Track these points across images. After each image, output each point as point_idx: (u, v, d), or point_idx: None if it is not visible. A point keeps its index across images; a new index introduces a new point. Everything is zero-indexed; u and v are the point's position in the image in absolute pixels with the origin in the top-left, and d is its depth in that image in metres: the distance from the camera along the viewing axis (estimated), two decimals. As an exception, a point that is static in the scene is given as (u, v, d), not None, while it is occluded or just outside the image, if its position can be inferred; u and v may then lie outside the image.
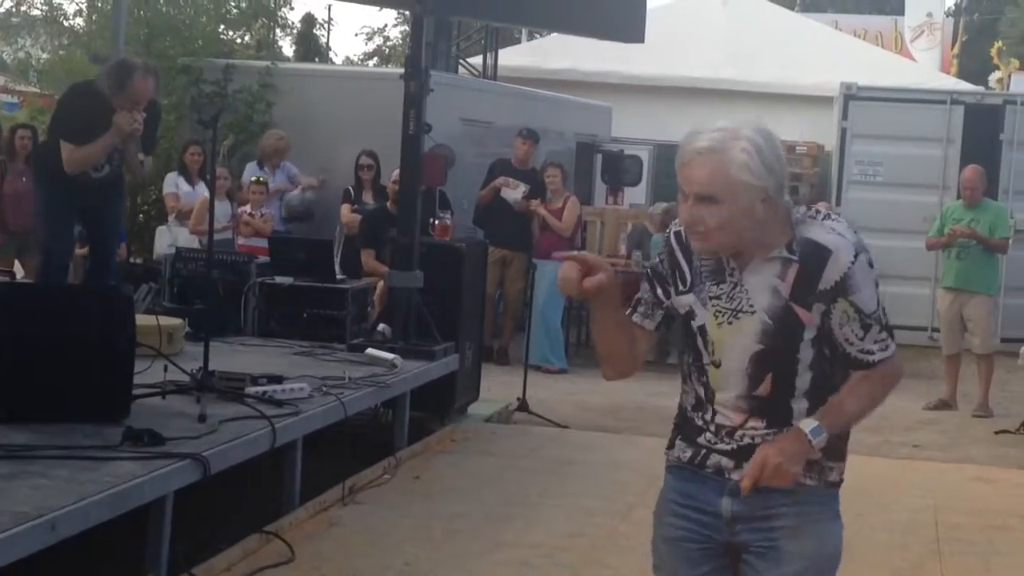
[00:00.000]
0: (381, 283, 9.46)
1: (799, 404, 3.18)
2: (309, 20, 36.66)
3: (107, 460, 4.83)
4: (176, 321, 7.70)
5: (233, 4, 16.48)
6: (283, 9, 33.34)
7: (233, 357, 7.41)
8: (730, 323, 3.13)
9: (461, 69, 16.07)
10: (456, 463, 7.73)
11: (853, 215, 14.49)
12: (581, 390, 10.51)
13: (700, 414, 3.21)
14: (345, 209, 11.62)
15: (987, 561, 6.30)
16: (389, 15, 42.05)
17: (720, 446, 3.17)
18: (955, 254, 10.66)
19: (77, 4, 15.51)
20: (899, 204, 14.23)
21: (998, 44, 30.40)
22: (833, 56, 18.29)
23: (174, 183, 11.69)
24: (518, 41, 21.66)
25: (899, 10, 29.85)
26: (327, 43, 40.68)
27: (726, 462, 3.17)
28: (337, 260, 10.42)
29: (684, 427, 3.27)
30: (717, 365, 3.16)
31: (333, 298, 8.79)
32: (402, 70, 8.52)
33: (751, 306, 3.10)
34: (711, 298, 3.14)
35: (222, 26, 16.68)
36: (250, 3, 17.32)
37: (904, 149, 14.37)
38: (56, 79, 15.01)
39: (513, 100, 14.31)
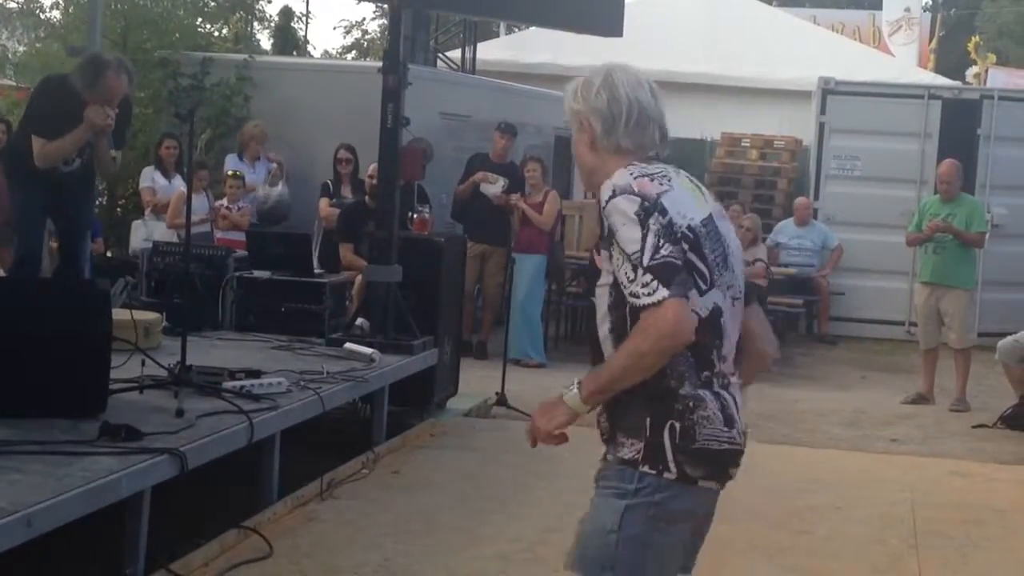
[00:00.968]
0: (359, 277, 9.44)
1: (607, 352, 3.19)
2: (287, 13, 36.51)
3: (84, 455, 4.80)
4: (153, 315, 7.67)
5: (211, -3, 16.45)
6: (261, 2, 33.38)
7: (211, 352, 7.38)
8: None
9: (440, 63, 16.04)
10: (435, 458, 7.72)
11: (831, 209, 14.59)
12: (560, 384, 10.40)
13: None
14: (323, 203, 11.60)
15: (964, 555, 6.32)
16: (367, 8, 41.95)
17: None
18: (932, 249, 10.69)
19: (54, -4, 15.45)
20: (877, 198, 14.28)
21: (975, 39, 30.49)
22: (811, 51, 18.33)
23: (150, 177, 11.64)
24: (497, 35, 21.66)
25: (877, 5, 29.94)
26: (305, 36, 40.53)
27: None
28: (315, 254, 10.39)
29: None
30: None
31: (311, 292, 8.76)
32: (380, 64, 8.50)
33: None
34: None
35: (199, 19, 16.62)
36: (228, -4, 17.29)
37: (882, 144, 14.42)
38: (32, 72, 14.94)
39: (492, 94, 14.29)
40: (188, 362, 6.21)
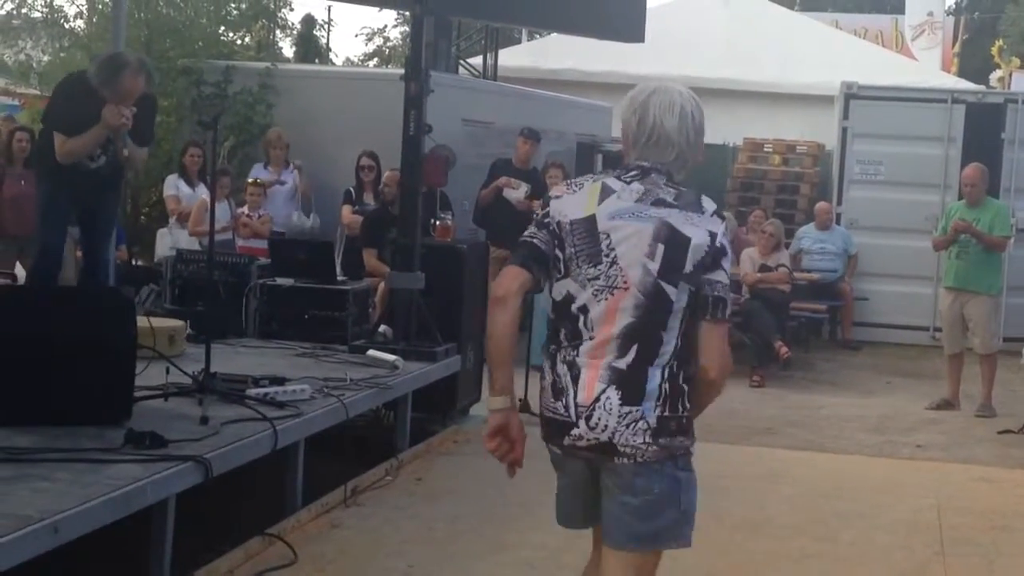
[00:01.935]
0: (382, 284, 9.45)
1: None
2: (309, 21, 36.63)
3: (109, 463, 4.83)
4: (177, 323, 7.70)
5: (233, 5, 16.44)
6: (283, 10, 33.40)
7: (235, 359, 7.41)
8: None
9: (461, 69, 16.06)
10: (458, 464, 7.72)
11: (854, 214, 14.54)
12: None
13: None
14: (346, 210, 11.61)
15: (991, 562, 6.29)
16: (389, 16, 42.10)
17: None
18: (955, 254, 10.64)
19: (78, 6, 15.48)
20: (900, 203, 14.22)
21: (999, 43, 30.39)
22: (834, 55, 18.29)
23: (174, 185, 11.67)
24: (518, 41, 21.66)
25: (900, 9, 29.85)
26: (327, 44, 40.70)
27: None
28: (338, 261, 10.40)
29: None
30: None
31: (334, 299, 8.78)
32: (402, 71, 8.51)
33: None
34: None
35: (222, 27, 16.64)
36: (250, 4, 17.29)
37: (905, 148, 14.36)
38: (56, 81, 14.97)
39: (513, 100, 14.30)
40: (212, 369, 6.23)
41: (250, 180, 11.53)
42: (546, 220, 3.66)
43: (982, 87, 21.13)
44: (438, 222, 9.20)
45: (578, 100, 16.01)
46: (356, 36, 78.21)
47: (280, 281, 8.91)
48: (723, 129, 16.70)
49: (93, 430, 5.27)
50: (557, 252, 3.63)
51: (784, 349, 11.92)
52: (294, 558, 5.58)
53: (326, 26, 41.89)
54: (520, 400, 9.33)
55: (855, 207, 14.61)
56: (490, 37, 16.27)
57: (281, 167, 11.92)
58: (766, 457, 8.46)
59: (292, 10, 35.08)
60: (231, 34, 17.80)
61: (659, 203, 3.62)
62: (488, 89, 14.73)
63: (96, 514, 4.35)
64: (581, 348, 3.60)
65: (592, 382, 3.58)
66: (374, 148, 11.52)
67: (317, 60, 34.04)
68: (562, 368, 3.64)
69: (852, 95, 14.68)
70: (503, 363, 3.70)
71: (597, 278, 3.59)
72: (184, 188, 11.61)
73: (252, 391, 6.28)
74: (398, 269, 8.43)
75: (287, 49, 34.92)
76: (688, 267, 3.57)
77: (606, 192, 3.65)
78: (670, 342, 3.58)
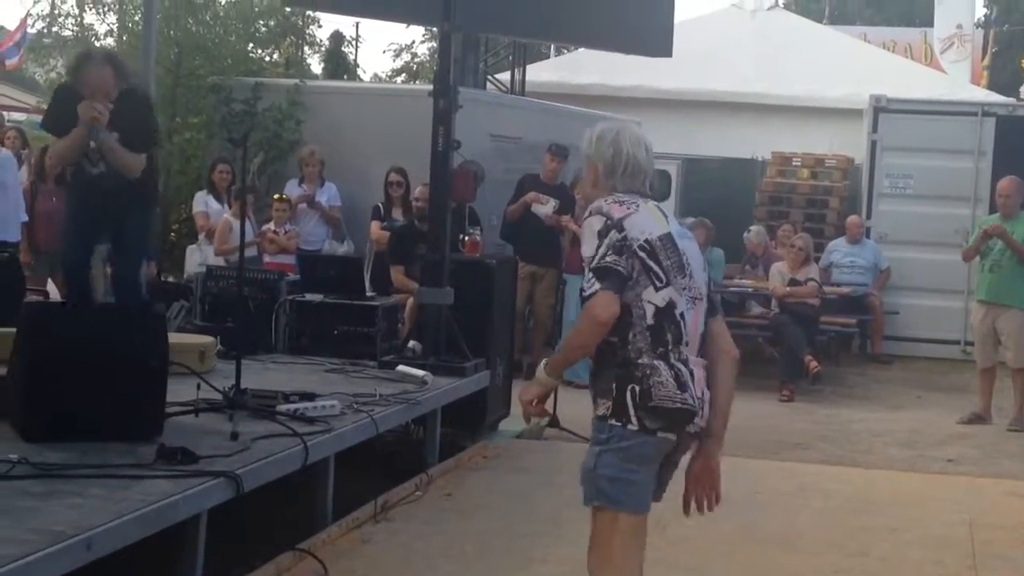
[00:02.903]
0: (411, 300, 9.46)
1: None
2: (337, 38, 36.80)
3: (141, 478, 4.85)
4: (208, 339, 7.73)
5: (262, 23, 16.55)
6: (311, 27, 33.62)
7: (264, 375, 7.44)
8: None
9: (489, 85, 16.08)
10: (488, 480, 7.72)
11: (884, 228, 14.50)
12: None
13: None
14: (375, 226, 11.64)
15: (1024, 576, 6.25)
16: (417, 32, 42.14)
17: None
18: (988, 267, 10.60)
19: (108, 24, 15.58)
20: (930, 217, 14.18)
21: (1028, 55, 30.21)
22: (862, 68, 18.23)
23: (203, 202, 11.72)
24: (546, 56, 21.67)
25: (928, 22, 29.71)
26: (355, 60, 40.82)
27: None
28: (367, 277, 10.43)
29: None
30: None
31: (363, 315, 8.80)
32: (430, 86, 8.54)
33: None
34: None
35: (251, 45, 16.74)
36: (279, 22, 17.41)
37: (935, 161, 14.32)
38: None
39: (541, 115, 14.30)
40: (243, 385, 6.25)
41: (275, 196, 11.57)
42: (626, 242, 4.02)
43: (1012, 100, 21.00)
44: (467, 237, 9.21)
45: (606, 115, 16.01)
46: (384, 52, 78.37)
47: (309, 297, 8.94)
48: (751, 143, 16.70)
49: (125, 446, 5.29)
50: (652, 264, 4.04)
51: (814, 363, 11.88)
52: (324, 573, 5.59)
53: (354, 42, 42.05)
54: (549, 415, 9.34)
55: (884, 221, 14.57)
56: (518, 53, 16.28)
57: (316, 184, 11.96)
58: (796, 472, 8.43)
59: (320, 27, 35.18)
60: (260, 51, 17.93)
61: (682, 225, 4.28)
62: (516, 104, 14.74)
63: (128, 530, 4.37)
64: (684, 349, 4.08)
65: (701, 379, 4.11)
66: (403, 164, 11.54)
67: (345, 76, 34.15)
68: (678, 364, 4.05)
69: (881, 108, 14.64)
70: (574, 361, 4.23)
71: (687, 288, 4.12)
72: (213, 205, 11.66)
73: (282, 407, 6.30)
74: (427, 284, 8.45)
75: (315, 66, 35.10)
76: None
77: (662, 213, 4.20)
78: None
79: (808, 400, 11.63)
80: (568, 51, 19.83)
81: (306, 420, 6.15)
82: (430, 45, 40.12)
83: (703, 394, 4.12)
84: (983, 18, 39.15)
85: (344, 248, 11.82)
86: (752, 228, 14.17)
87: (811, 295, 12.49)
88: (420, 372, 7.72)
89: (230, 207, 11.31)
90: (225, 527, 5.21)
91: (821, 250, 14.37)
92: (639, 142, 4.24)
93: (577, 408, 9.79)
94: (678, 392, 4.03)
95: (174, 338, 6.61)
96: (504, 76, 16.53)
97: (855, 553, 6.49)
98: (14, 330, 5.73)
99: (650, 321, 4.02)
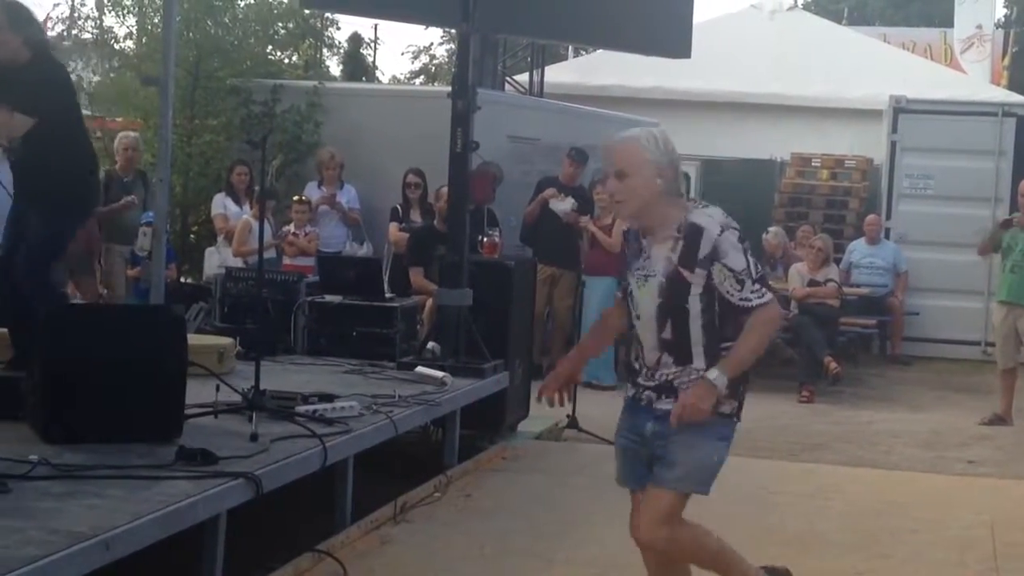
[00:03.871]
0: (430, 301, 9.47)
1: (696, 346, 4.40)
2: (356, 40, 36.88)
3: (160, 479, 4.85)
4: (227, 340, 7.75)
5: (281, 25, 16.55)
6: (330, 29, 33.66)
7: (284, 376, 7.44)
8: (641, 286, 4.47)
9: (507, 86, 16.08)
10: (507, 481, 7.71)
11: (904, 229, 14.45)
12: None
13: (636, 359, 4.57)
14: (393, 227, 11.65)
15: (1046, 578, 6.21)
16: (435, 33, 42.11)
17: (647, 383, 4.50)
18: (1009, 267, 10.56)
19: (127, 27, 15.58)
20: (950, 217, 14.14)
21: (1049, 55, 30.07)
22: (881, 69, 18.18)
23: (222, 204, 11.76)
24: (564, 58, 21.65)
25: (948, 22, 29.59)
26: (373, 62, 40.88)
27: (651, 395, 4.49)
28: (386, 278, 10.44)
29: (629, 373, 4.65)
30: (637, 317, 4.50)
31: (382, 316, 8.82)
32: (449, 88, 8.54)
33: (654, 271, 4.43)
34: (635, 269, 4.50)
35: (270, 47, 16.76)
36: (297, 24, 17.39)
37: (955, 162, 14.27)
38: (107, 102, 15.13)
39: (560, 117, 14.30)
40: (262, 386, 6.26)
41: (295, 198, 11.60)
42: (749, 247, 4.43)
43: (1032, 100, 20.93)
44: (485, 239, 9.21)
45: (625, 116, 15.98)
46: (402, 54, 78.39)
47: (328, 298, 8.95)
48: (770, 144, 16.66)
49: (144, 447, 5.30)
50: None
51: (833, 364, 11.84)
52: (344, 574, 5.58)
53: (373, 44, 42.11)
54: (568, 416, 9.34)
55: (905, 221, 14.53)
56: (536, 54, 16.28)
57: (335, 186, 11.98)
58: (816, 473, 8.40)
59: (339, 29, 35.22)
60: (279, 53, 17.93)
61: None
62: (534, 106, 14.74)
63: (148, 531, 4.37)
64: None
65: None
66: (421, 165, 11.56)
67: (364, 78, 34.20)
68: None
69: (901, 109, 14.60)
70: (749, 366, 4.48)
71: None
72: (232, 207, 11.69)
73: (301, 408, 6.30)
74: (446, 286, 8.45)
75: (334, 68, 35.12)
76: None
77: None
78: None
79: (828, 401, 11.60)
80: (586, 52, 19.82)
81: (325, 421, 6.15)
82: (448, 47, 40.12)
83: None
84: (1003, 18, 38.98)
85: (363, 250, 11.84)
86: (771, 229, 14.13)
87: (831, 296, 12.46)
88: (439, 373, 7.72)
89: (250, 208, 11.34)
90: (244, 528, 5.21)
91: (841, 251, 14.34)
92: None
93: (595, 409, 9.82)
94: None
95: (193, 339, 6.62)
96: (522, 77, 16.54)
97: (876, 555, 6.46)
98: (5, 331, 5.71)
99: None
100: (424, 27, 36.98)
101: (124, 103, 14.34)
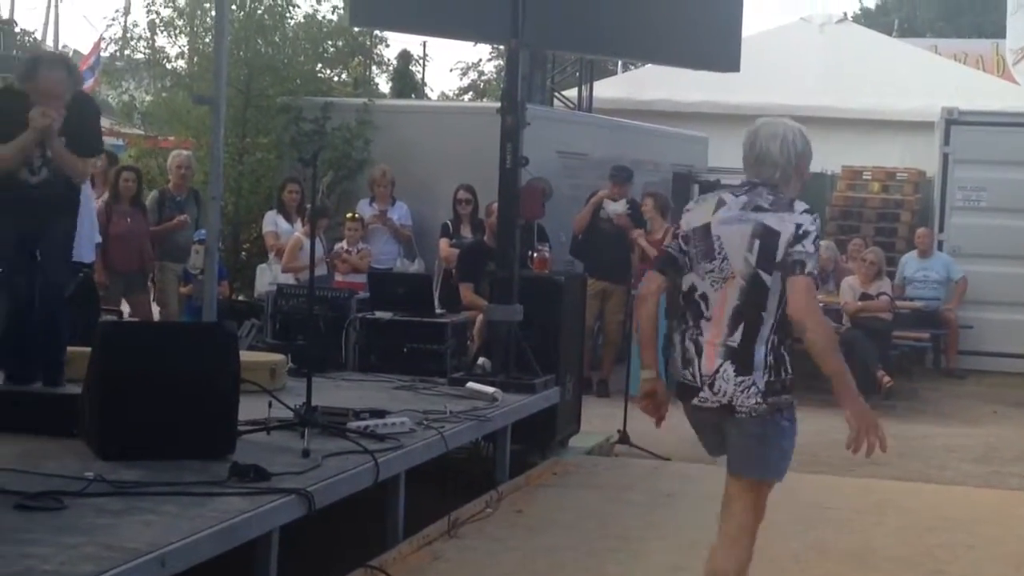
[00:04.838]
0: (480, 317, 9.48)
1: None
2: (405, 57, 36.97)
3: (214, 496, 4.89)
4: (279, 357, 7.79)
5: (330, 43, 16.64)
6: (379, 47, 33.81)
7: (335, 392, 7.47)
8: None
9: (556, 102, 16.10)
10: (558, 496, 7.70)
11: (957, 241, 14.32)
12: (682, 422, 10.39)
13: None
14: (443, 243, 11.68)
15: (1105, 594, 6.14)
16: (483, 50, 42.27)
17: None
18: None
19: (179, 47, 15.70)
20: (1004, 229, 13.99)
21: (1103, 65, 29.75)
22: (933, 81, 18.07)
23: (273, 221, 11.82)
24: (613, 73, 21.68)
25: (1000, 33, 29.36)
26: (423, 79, 41.02)
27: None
28: (436, 294, 10.46)
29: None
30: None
31: (433, 332, 8.84)
32: (498, 104, 8.55)
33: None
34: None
35: (319, 65, 16.84)
36: (347, 42, 17.48)
37: (1008, 174, 14.13)
38: (159, 121, 15.25)
39: (608, 132, 14.30)
40: (313, 403, 6.29)
41: (348, 215, 11.65)
42: (677, 232, 4.64)
43: (1087, 110, 20.70)
44: (535, 254, 9.21)
45: (673, 131, 15.98)
46: (451, 71, 78.81)
47: (379, 315, 8.98)
48: (821, 157, 16.39)
49: (198, 464, 5.34)
50: (686, 252, 4.56)
51: (886, 378, 11.75)
52: (396, 590, 5.59)
53: (422, 61, 42.28)
54: (619, 431, 9.32)
55: (958, 234, 14.40)
56: (585, 69, 16.30)
57: (387, 203, 12.03)
58: (871, 488, 8.33)
59: (388, 46, 35.39)
60: (328, 71, 18.02)
61: (757, 209, 4.51)
62: (583, 121, 14.75)
63: (202, 547, 4.40)
64: (703, 328, 4.51)
65: (712, 357, 4.49)
66: (471, 181, 11.58)
67: (413, 95, 34.33)
68: (687, 342, 4.55)
69: (953, 121, 14.48)
70: (648, 344, 4.70)
71: (712, 271, 4.50)
72: (283, 224, 11.75)
73: (353, 424, 6.33)
74: (496, 301, 8.45)
75: (383, 85, 35.25)
76: (779, 256, 4.41)
77: (720, 204, 4.57)
78: (769, 321, 4.44)
79: (881, 416, 11.31)
80: (635, 67, 19.82)
81: (377, 437, 6.17)
82: (497, 63, 40.22)
83: (715, 371, 4.49)
84: (1056, 28, 38.59)
85: (415, 266, 11.88)
86: (822, 243, 14.02)
87: (883, 310, 12.37)
88: (490, 389, 7.72)
89: (301, 226, 11.40)
90: (297, 544, 5.23)
91: (893, 264, 14.22)
92: (775, 135, 4.63)
93: (646, 424, 9.77)
94: (681, 368, 4.61)
95: (245, 356, 6.65)
96: (571, 93, 16.56)
97: (932, 571, 6.40)
98: (89, 349, 5.81)
99: (680, 303, 4.61)
100: (473, 44, 37.04)
101: (176, 122, 14.45)
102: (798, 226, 4.44)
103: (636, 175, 12.56)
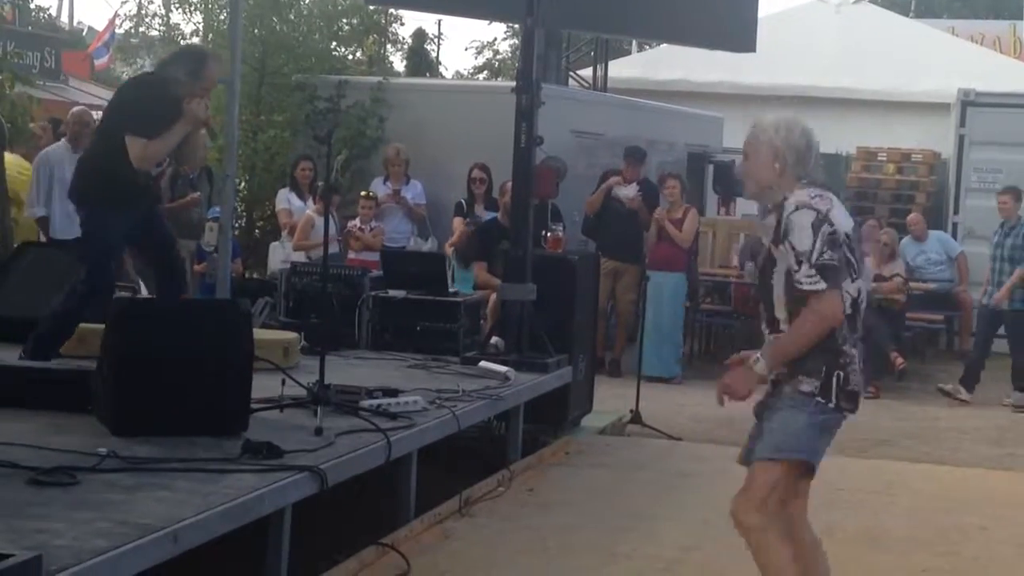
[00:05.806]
0: (493, 296, 9.48)
1: (785, 325, 4.46)
2: (420, 35, 36.97)
3: (227, 472, 4.89)
4: (292, 335, 7.80)
5: (345, 21, 16.65)
6: (394, 25, 33.77)
7: (348, 370, 7.48)
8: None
9: (571, 81, 16.07)
10: (570, 475, 7.71)
11: (972, 223, 14.27)
12: (694, 402, 10.42)
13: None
14: (457, 222, 11.68)
15: (1117, 577, 6.13)
16: (498, 29, 42.21)
17: None
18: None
19: (194, 24, 15.74)
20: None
21: (1121, 46, 29.59)
22: (949, 62, 17.96)
23: (286, 199, 11.83)
24: (628, 52, 21.60)
25: (1017, 14, 29.24)
26: (437, 58, 40.99)
27: None
28: (450, 273, 10.46)
29: None
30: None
31: (446, 311, 8.84)
32: (513, 83, 8.54)
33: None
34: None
35: (334, 43, 16.85)
36: (362, 20, 17.47)
37: (1024, 155, 14.06)
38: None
39: (623, 112, 14.27)
40: (326, 381, 6.29)
41: (362, 194, 11.66)
42: (835, 236, 4.37)
43: (1104, 92, 20.59)
44: (549, 234, 9.21)
45: (688, 111, 15.93)
46: (466, 49, 78.45)
47: (392, 293, 8.98)
48: (836, 138, 16.46)
49: (211, 440, 5.35)
50: (850, 257, 4.43)
51: (899, 360, 11.74)
52: (407, 568, 5.60)
53: (436, 40, 42.22)
54: (632, 411, 9.32)
55: (973, 216, 14.34)
56: (600, 49, 16.25)
57: (401, 182, 12.02)
58: (883, 469, 8.33)
59: (403, 24, 35.38)
60: (343, 49, 18.02)
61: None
62: (598, 100, 14.72)
63: (214, 523, 4.41)
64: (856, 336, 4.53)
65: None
66: (485, 160, 11.57)
67: (428, 74, 34.30)
68: (854, 352, 4.49)
69: (969, 102, 14.43)
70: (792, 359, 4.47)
71: (861, 276, 4.54)
72: (296, 202, 11.76)
73: (365, 402, 6.34)
74: (510, 281, 8.45)
75: (398, 63, 35.23)
76: None
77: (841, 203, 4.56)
78: None
79: (894, 397, 11.50)
80: (650, 47, 19.77)
81: (389, 416, 6.17)
82: (512, 42, 40.16)
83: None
84: (1074, 9, 38.40)
85: (428, 245, 11.88)
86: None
87: (896, 291, 12.34)
88: (502, 368, 7.73)
89: (313, 204, 11.40)
90: (309, 521, 5.25)
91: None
92: (814, 135, 4.64)
93: (658, 404, 9.80)
94: (860, 378, 4.53)
95: (259, 334, 6.67)
96: (586, 72, 16.52)
97: (945, 552, 6.40)
98: (103, 326, 5.82)
99: (848, 311, 4.42)
100: (488, 22, 37.04)
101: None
102: None
103: (650, 155, 12.54)
